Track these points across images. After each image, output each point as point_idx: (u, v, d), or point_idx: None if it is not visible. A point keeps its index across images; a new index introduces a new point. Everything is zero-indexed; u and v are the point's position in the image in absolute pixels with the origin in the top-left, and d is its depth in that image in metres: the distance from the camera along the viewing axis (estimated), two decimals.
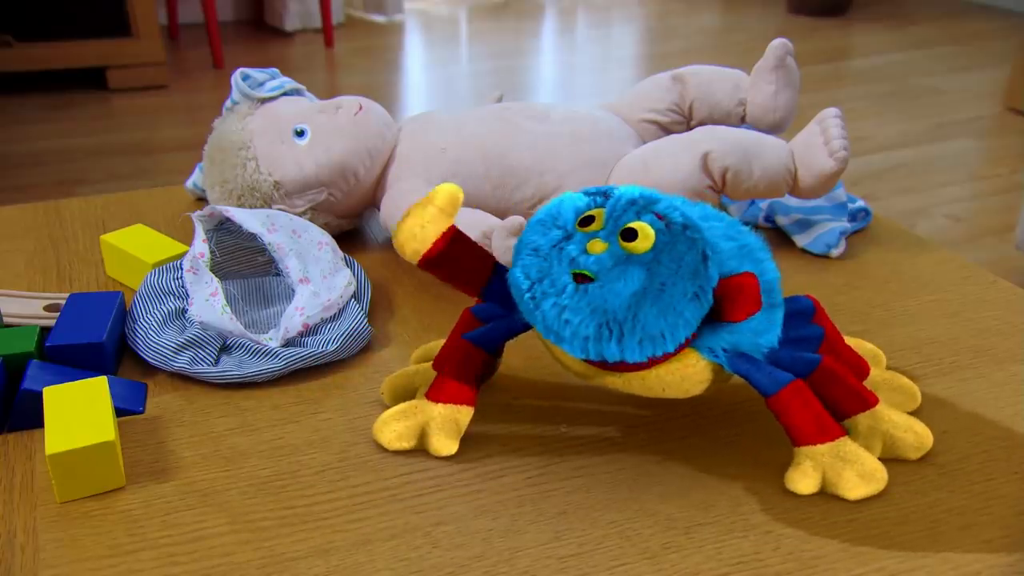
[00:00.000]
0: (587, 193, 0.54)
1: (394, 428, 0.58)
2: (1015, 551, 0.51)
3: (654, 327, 0.49)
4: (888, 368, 0.67)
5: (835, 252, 0.83)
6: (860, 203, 0.89)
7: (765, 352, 0.54)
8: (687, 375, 0.53)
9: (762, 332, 0.54)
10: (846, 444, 0.54)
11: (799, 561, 0.50)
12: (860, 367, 0.61)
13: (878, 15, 3.81)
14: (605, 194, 0.53)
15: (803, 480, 0.54)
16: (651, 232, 0.50)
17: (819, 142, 0.76)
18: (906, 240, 0.87)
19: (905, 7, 3.95)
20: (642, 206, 0.52)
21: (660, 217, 0.51)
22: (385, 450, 0.58)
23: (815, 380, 0.55)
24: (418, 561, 0.50)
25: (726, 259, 0.54)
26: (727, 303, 0.51)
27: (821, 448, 0.53)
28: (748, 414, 0.62)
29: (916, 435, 0.56)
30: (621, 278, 0.50)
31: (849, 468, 0.53)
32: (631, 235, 0.50)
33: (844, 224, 0.85)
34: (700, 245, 0.51)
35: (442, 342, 0.65)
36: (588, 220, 0.52)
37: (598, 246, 0.51)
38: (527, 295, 0.51)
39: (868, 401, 0.56)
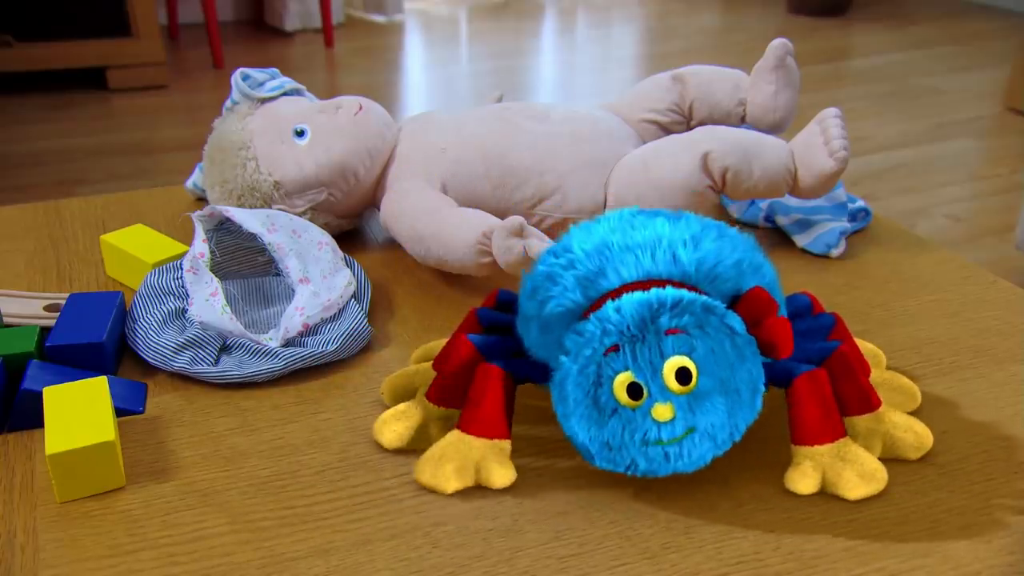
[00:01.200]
0: (589, 357, 0.50)
1: (394, 428, 0.58)
2: (1015, 551, 0.51)
3: (750, 418, 0.51)
4: (888, 368, 0.67)
5: (835, 252, 0.83)
6: (860, 203, 0.89)
7: None
8: None
9: None
10: (847, 445, 0.54)
11: (799, 561, 0.50)
12: (863, 366, 0.61)
13: (878, 15, 3.81)
14: (614, 349, 0.50)
15: (803, 480, 0.53)
16: (689, 361, 0.50)
17: (819, 142, 0.76)
18: (906, 240, 0.87)
19: (905, 7, 3.95)
20: (655, 338, 0.50)
21: (677, 331, 0.50)
22: (385, 450, 0.58)
23: (832, 367, 0.55)
24: (418, 561, 0.50)
25: (734, 282, 0.54)
26: (770, 349, 0.51)
27: (821, 449, 0.53)
28: None
29: (916, 435, 0.56)
30: (708, 416, 0.50)
31: (849, 468, 0.53)
32: (687, 378, 0.50)
33: (844, 224, 0.85)
34: (727, 322, 0.50)
35: (443, 342, 0.65)
36: (637, 392, 0.50)
37: (666, 412, 0.50)
38: (631, 473, 0.51)
39: (872, 403, 0.56)
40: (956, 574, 0.49)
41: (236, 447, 0.58)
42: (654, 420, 0.50)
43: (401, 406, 0.59)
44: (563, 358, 0.50)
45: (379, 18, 3.61)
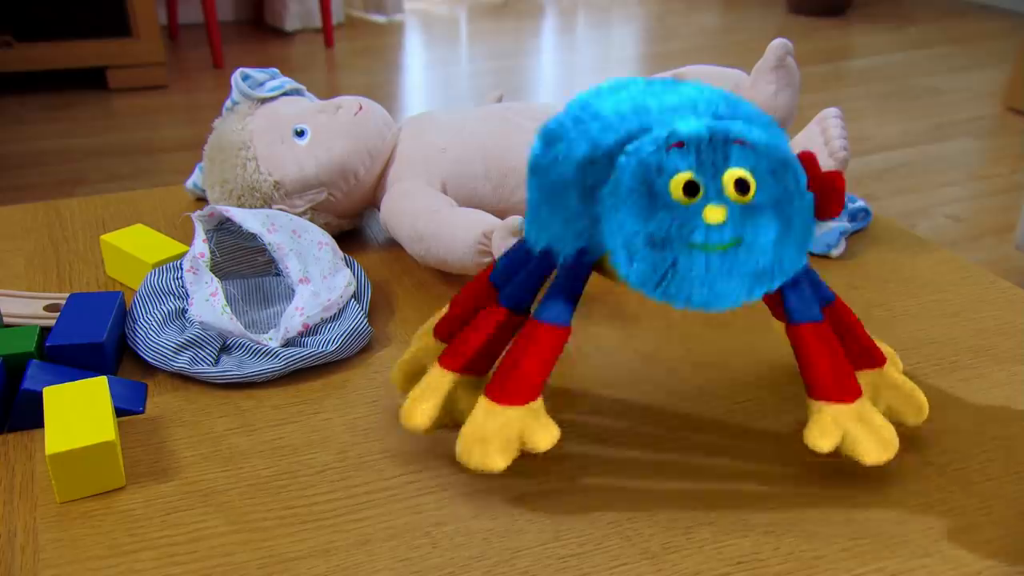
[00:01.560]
0: (653, 152, 0.48)
1: (423, 408, 0.54)
2: (1015, 551, 0.51)
3: (797, 260, 0.49)
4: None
5: (835, 252, 0.83)
6: (860, 203, 0.89)
7: (799, 271, 0.53)
8: None
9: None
10: (865, 405, 0.53)
11: (799, 561, 0.50)
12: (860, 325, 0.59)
13: (878, 15, 3.81)
14: (679, 144, 0.49)
15: (824, 438, 0.52)
16: (750, 175, 0.48)
17: (819, 142, 0.76)
18: (906, 240, 0.87)
19: (905, 7, 3.95)
20: (723, 148, 0.48)
21: (741, 143, 0.48)
22: (385, 450, 0.58)
23: (830, 318, 0.54)
24: (418, 561, 0.50)
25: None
26: (823, 201, 0.50)
27: (843, 408, 0.52)
28: (748, 414, 0.62)
29: (917, 399, 0.56)
30: (759, 232, 0.49)
31: (868, 432, 0.52)
32: (745, 188, 0.48)
33: (844, 224, 0.85)
34: (784, 155, 0.49)
35: (440, 313, 0.62)
36: (693, 189, 0.48)
37: (718, 213, 0.48)
38: (660, 287, 0.49)
39: (876, 359, 0.55)
40: (956, 574, 0.49)
41: (236, 447, 0.58)
42: (704, 220, 0.48)
43: (420, 384, 0.56)
44: (622, 157, 0.49)
45: (379, 18, 3.61)
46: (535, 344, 0.52)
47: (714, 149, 0.48)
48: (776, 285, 0.50)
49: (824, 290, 0.56)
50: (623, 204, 0.48)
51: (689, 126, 0.49)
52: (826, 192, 0.50)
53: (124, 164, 2.25)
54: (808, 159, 0.52)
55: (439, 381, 0.55)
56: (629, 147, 0.49)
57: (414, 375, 0.60)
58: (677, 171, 0.48)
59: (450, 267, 0.74)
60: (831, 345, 0.52)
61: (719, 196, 0.48)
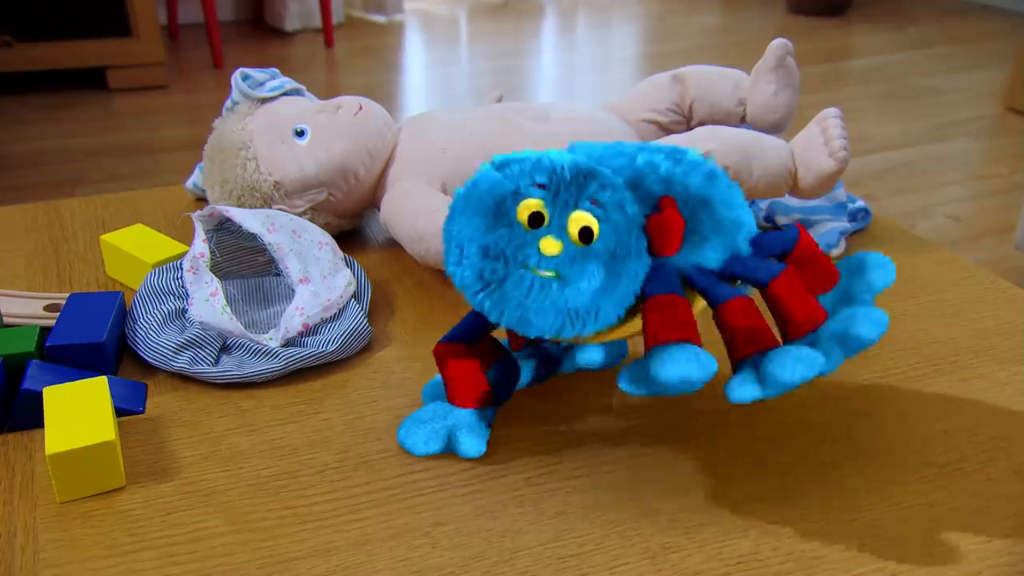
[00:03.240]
0: (510, 173, 0.52)
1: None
2: (1015, 551, 0.51)
3: (612, 314, 0.51)
4: (889, 367, 0.67)
5: (835, 252, 0.83)
6: (860, 203, 0.89)
7: (712, 268, 0.55)
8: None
9: (692, 252, 0.55)
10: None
11: (799, 561, 0.50)
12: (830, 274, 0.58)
13: (878, 15, 3.81)
14: (542, 180, 0.52)
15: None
16: (597, 224, 0.51)
17: (819, 142, 0.76)
18: (906, 240, 0.87)
19: (905, 7, 3.95)
20: (578, 192, 0.52)
21: (595, 204, 0.51)
22: (385, 450, 0.58)
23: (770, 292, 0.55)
24: (418, 561, 0.50)
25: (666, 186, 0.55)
26: (655, 242, 0.53)
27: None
28: (748, 414, 0.62)
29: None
30: (583, 276, 0.51)
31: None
32: (588, 236, 0.51)
33: (844, 224, 0.85)
34: (637, 220, 0.52)
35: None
36: (538, 220, 0.51)
37: (553, 246, 0.51)
38: (481, 295, 0.52)
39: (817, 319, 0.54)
40: (956, 574, 0.49)
41: (236, 447, 0.58)
42: (539, 248, 0.51)
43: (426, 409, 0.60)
44: (485, 163, 0.52)
45: (379, 18, 3.61)
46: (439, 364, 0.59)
47: (571, 186, 0.51)
48: (588, 332, 0.52)
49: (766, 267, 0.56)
50: (471, 209, 0.52)
51: (558, 157, 0.52)
52: (655, 232, 0.53)
53: (124, 164, 2.25)
54: (668, 202, 0.54)
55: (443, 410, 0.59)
56: (496, 157, 0.53)
57: None
58: (529, 197, 0.51)
59: None
60: (794, 289, 0.53)
61: (560, 231, 0.51)
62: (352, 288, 0.71)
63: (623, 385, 0.52)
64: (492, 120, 0.81)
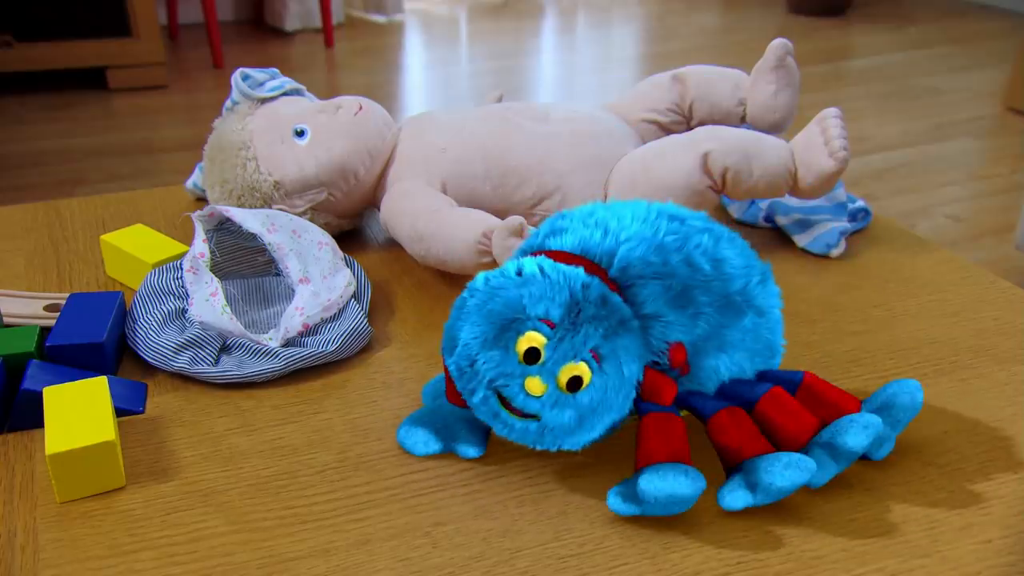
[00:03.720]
0: (529, 295, 0.51)
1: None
2: (1015, 551, 0.51)
3: (579, 446, 0.52)
4: (889, 367, 0.67)
5: (835, 252, 0.83)
6: (860, 203, 0.89)
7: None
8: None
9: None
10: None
11: (799, 561, 0.50)
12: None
13: (878, 15, 3.81)
14: (558, 312, 0.51)
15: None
16: (589, 376, 0.51)
17: (819, 142, 0.76)
18: (906, 240, 0.87)
19: (905, 7, 3.95)
20: (581, 347, 0.51)
21: (595, 357, 0.51)
22: (385, 450, 0.58)
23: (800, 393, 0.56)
24: (418, 561, 0.50)
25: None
26: (644, 393, 0.53)
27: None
28: None
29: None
30: (561, 416, 0.51)
31: None
32: (577, 385, 0.51)
33: (844, 224, 0.85)
34: (631, 380, 0.51)
35: None
36: (534, 356, 0.51)
37: (537, 387, 0.51)
38: (462, 389, 0.53)
39: (850, 406, 0.55)
40: (956, 574, 0.49)
41: (236, 447, 0.58)
42: (523, 385, 0.51)
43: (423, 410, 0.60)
44: (512, 270, 0.52)
45: (379, 18, 3.61)
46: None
47: (574, 337, 0.51)
48: (571, 447, 0.52)
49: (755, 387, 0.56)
50: (479, 314, 0.51)
51: (586, 282, 0.51)
52: (648, 393, 0.53)
53: (124, 164, 2.25)
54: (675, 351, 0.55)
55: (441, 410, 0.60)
56: (525, 265, 0.52)
57: None
58: (536, 331, 0.51)
59: (450, 267, 0.74)
60: (739, 423, 0.53)
61: (550, 376, 0.51)
62: (352, 288, 0.71)
63: (613, 506, 0.52)
64: (492, 120, 0.81)
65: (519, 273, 0.51)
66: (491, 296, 0.51)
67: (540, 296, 0.51)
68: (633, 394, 0.52)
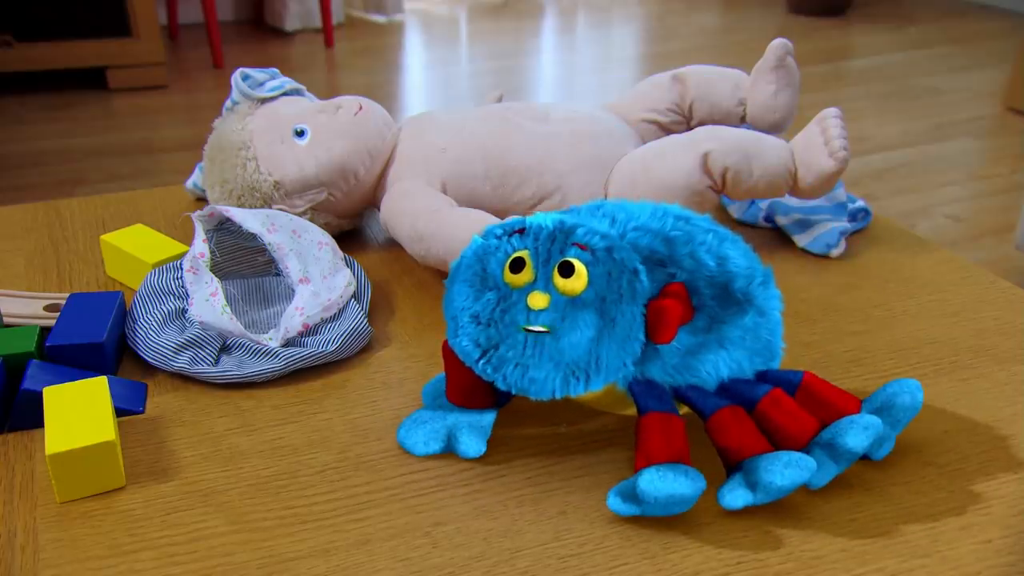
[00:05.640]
0: (497, 236, 0.53)
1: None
2: (1015, 551, 0.51)
3: (616, 361, 0.51)
4: (889, 367, 0.67)
5: (835, 252, 0.83)
6: (860, 203, 0.89)
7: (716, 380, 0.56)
8: None
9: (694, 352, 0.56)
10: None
11: (799, 561, 0.50)
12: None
13: (878, 15, 3.81)
14: (520, 231, 0.53)
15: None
16: (583, 268, 0.51)
17: (819, 142, 0.76)
18: (906, 240, 0.87)
19: (905, 7, 3.95)
20: (563, 241, 0.52)
21: (583, 247, 0.51)
22: (385, 450, 0.58)
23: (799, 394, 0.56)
24: (418, 561, 0.50)
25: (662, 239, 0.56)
26: (649, 328, 0.52)
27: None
28: None
29: None
30: (576, 327, 0.51)
31: None
32: (569, 270, 0.51)
33: (844, 224, 0.85)
34: (630, 263, 0.52)
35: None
36: (519, 265, 0.52)
37: (540, 300, 0.51)
38: (481, 362, 0.53)
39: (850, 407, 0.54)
40: (956, 574, 0.49)
41: (236, 447, 0.58)
42: (528, 305, 0.52)
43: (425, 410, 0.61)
44: (476, 236, 0.54)
45: (379, 18, 3.61)
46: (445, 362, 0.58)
47: (553, 240, 0.52)
48: (597, 384, 0.51)
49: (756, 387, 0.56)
50: (459, 278, 0.53)
51: (537, 218, 0.53)
52: (651, 318, 0.52)
53: (124, 164, 2.25)
54: (674, 289, 0.54)
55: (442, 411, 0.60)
56: (486, 227, 0.54)
57: None
58: (512, 252, 0.52)
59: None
60: (740, 421, 0.53)
61: (547, 284, 0.52)
62: (352, 288, 0.71)
63: (613, 506, 0.52)
64: (492, 120, 0.81)
65: (481, 234, 0.54)
66: (461, 259, 0.54)
67: (502, 231, 0.53)
68: (637, 283, 0.51)
